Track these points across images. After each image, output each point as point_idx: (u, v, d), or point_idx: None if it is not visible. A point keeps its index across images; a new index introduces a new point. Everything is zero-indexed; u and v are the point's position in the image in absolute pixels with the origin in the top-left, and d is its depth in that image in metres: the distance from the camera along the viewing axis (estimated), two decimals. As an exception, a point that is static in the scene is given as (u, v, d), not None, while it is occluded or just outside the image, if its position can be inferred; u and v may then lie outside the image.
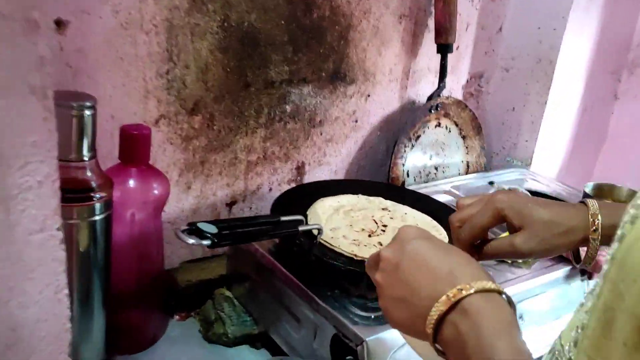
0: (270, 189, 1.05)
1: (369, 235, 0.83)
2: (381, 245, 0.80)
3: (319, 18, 1.01)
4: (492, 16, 1.31)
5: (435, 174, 1.26)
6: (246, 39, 0.92)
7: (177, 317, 0.90)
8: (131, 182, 0.74)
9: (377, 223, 0.87)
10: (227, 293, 0.88)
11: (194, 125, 0.90)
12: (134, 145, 0.74)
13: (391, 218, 0.90)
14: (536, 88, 1.31)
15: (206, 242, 0.69)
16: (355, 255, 0.78)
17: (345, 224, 0.85)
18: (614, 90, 1.50)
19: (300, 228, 0.78)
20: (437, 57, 1.19)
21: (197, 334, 0.87)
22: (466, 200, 0.67)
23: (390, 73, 1.17)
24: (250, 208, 1.03)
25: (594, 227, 0.60)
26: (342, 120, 1.12)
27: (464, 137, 1.29)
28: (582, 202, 0.63)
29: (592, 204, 0.62)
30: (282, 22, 0.96)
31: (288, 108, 1.02)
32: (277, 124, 1.02)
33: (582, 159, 1.53)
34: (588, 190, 1.06)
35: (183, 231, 0.70)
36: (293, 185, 1.08)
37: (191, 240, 0.69)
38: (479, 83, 1.38)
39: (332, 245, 0.79)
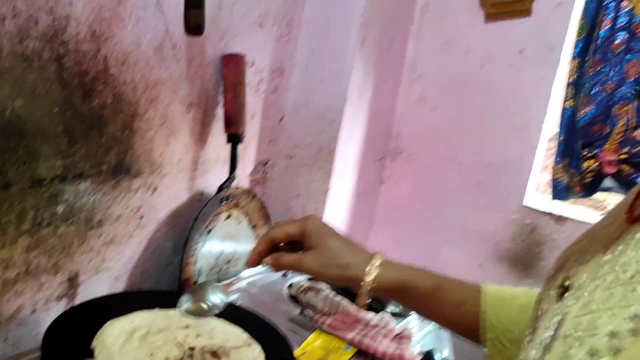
0: (34, 310, 0.85)
1: (175, 365, 0.71)
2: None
3: (99, 106, 0.87)
4: (275, 106, 1.33)
5: (227, 268, 1.18)
6: (8, 130, 0.74)
7: None
8: None
9: (182, 346, 0.75)
10: None
11: None
12: None
13: (198, 336, 0.78)
14: (319, 175, 1.35)
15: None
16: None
17: (144, 355, 0.71)
18: (380, 176, 1.64)
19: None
20: (226, 147, 1.14)
21: None
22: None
23: (179, 164, 1.07)
24: (6, 339, 0.81)
25: (369, 274, 0.66)
26: (126, 218, 0.98)
27: (254, 227, 1.25)
28: (375, 252, 0.70)
29: (379, 257, 0.68)
30: (56, 110, 0.80)
31: (60, 209, 0.85)
32: (46, 229, 0.83)
33: (357, 239, 1.61)
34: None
35: None
36: (63, 301, 0.89)
37: None
38: (265, 170, 1.37)
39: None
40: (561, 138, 1.31)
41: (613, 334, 0.31)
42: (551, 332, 0.36)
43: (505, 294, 0.66)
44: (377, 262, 0.68)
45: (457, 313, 0.67)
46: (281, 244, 0.70)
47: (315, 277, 0.70)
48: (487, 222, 1.49)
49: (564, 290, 0.40)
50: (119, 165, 0.94)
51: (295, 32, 1.32)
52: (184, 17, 0.89)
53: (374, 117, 1.48)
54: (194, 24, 0.88)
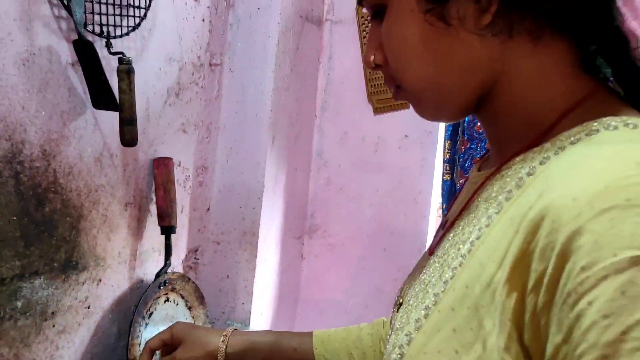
0: (-2, 397, 0.95)
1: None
2: None
3: (50, 211, 1.03)
4: (201, 199, 1.51)
5: (167, 348, 1.30)
6: (-24, 238, 0.88)
7: None
8: None
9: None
10: None
11: None
12: None
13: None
14: (245, 256, 1.53)
15: None
16: None
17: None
18: (300, 252, 1.83)
19: None
20: (161, 238, 1.30)
21: None
22: None
23: (119, 256, 1.22)
24: None
25: (223, 343, 0.87)
26: (75, 309, 1.10)
27: (190, 308, 1.39)
28: (230, 327, 0.92)
29: (231, 329, 0.90)
30: (14, 218, 0.95)
31: (19, 304, 0.97)
32: (7, 322, 0.95)
33: (285, 314, 1.77)
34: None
35: None
36: (23, 387, 0.99)
37: None
38: (195, 256, 1.53)
39: None
40: (444, 206, 1.57)
41: (417, 321, 0.52)
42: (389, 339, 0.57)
43: (330, 332, 0.90)
44: (228, 333, 0.89)
45: (296, 356, 0.88)
46: (158, 352, 0.93)
47: None
48: (397, 283, 1.70)
49: (399, 306, 0.60)
50: (68, 261, 1.08)
51: (215, 134, 1.54)
52: (120, 133, 1.08)
53: (290, 201, 1.70)
54: (128, 138, 1.07)
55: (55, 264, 1.05)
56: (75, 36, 1.00)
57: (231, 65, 1.54)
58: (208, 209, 1.54)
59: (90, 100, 1.07)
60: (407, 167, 1.70)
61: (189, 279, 1.39)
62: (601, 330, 0.37)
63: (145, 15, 1.16)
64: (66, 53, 1.02)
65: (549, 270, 0.41)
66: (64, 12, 1.00)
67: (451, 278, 0.52)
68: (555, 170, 0.48)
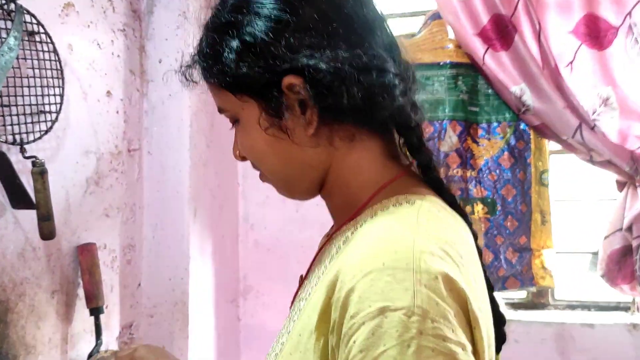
0: None
1: None
2: None
3: (-24, 309, 1.11)
4: (132, 276, 1.61)
5: None
6: None
7: None
8: None
9: None
10: None
11: None
12: None
13: None
14: (178, 326, 1.61)
15: None
16: None
17: None
18: (237, 314, 1.93)
19: None
20: (91, 319, 1.38)
21: None
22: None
23: (50, 342, 1.30)
24: None
25: None
26: (7, 398, 1.17)
27: (126, 383, 1.46)
28: None
29: None
30: (-61, 320, 1.03)
31: (-51, 401, 1.04)
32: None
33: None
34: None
35: None
36: None
37: None
38: (130, 332, 1.61)
39: None
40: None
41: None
42: None
43: None
44: None
45: None
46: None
47: None
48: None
49: None
50: (-3, 353, 1.15)
51: (139, 214, 1.65)
52: (38, 228, 1.18)
53: (220, 267, 1.80)
54: (47, 232, 1.17)
55: (-16, 358, 1.12)
56: (-12, 147, 1.12)
57: (149, 149, 1.67)
58: (139, 284, 1.63)
59: (8, 201, 1.18)
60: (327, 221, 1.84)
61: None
62: None
63: (56, 118, 1.29)
64: (-19, 163, 1.13)
65: (337, 318, 0.55)
66: (-24, 128, 1.12)
67: (292, 329, 0.65)
68: (352, 242, 0.62)
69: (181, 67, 0.73)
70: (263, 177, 0.75)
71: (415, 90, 0.70)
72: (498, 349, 0.70)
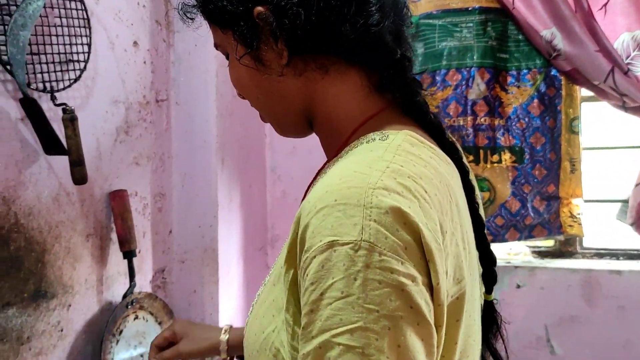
0: (-16, 416, 1.09)
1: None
2: None
3: (15, 249, 1.17)
4: (162, 223, 1.66)
5: (141, 360, 1.44)
6: (-51, 279, 1.02)
7: None
8: None
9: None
10: None
11: None
12: None
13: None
14: (207, 271, 1.67)
15: None
16: None
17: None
18: (265, 262, 1.98)
19: None
20: (125, 262, 1.44)
21: None
22: None
23: (86, 282, 1.36)
24: None
25: (224, 337, 1.00)
26: (49, 332, 1.25)
27: (160, 323, 1.53)
28: (227, 325, 1.04)
29: (229, 325, 1.02)
30: (-17, 258, 1.10)
31: (-5, 332, 1.12)
32: (-14, 349, 1.09)
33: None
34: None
35: None
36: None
37: None
38: (163, 276, 1.67)
39: None
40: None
41: (258, 295, 0.68)
42: None
43: None
44: (228, 328, 1.02)
45: None
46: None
47: (189, 356, 1.03)
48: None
49: None
50: (37, 291, 1.22)
51: (168, 164, 1.69)
52: (71, 173, 1.23)
53: (248, 216, 1.84)
54: (78, 177, 1.22)
55: (26, 295, 1.19)
56: (21, 95, 1.16)
57: (177, 99, 1.69)
58: (170, 231, 1.68)
59: (42, 148, 1.22)
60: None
61: (157, 296, 1.53)
62: (310, 293, 0.53)
63: (85, 67, 1.32)
64: (15, 110, 1.18)
65: (298, 253, 0.57)
66: (8, 76, 1.16)
67: (277, 261, 0.68)
68: (319, 180, 0.63)
69: (180, 4, 0.75)
70: (262, 117, 0.77)
71: (401, 23, 0.69)
72: (489, 290, 0.71)
